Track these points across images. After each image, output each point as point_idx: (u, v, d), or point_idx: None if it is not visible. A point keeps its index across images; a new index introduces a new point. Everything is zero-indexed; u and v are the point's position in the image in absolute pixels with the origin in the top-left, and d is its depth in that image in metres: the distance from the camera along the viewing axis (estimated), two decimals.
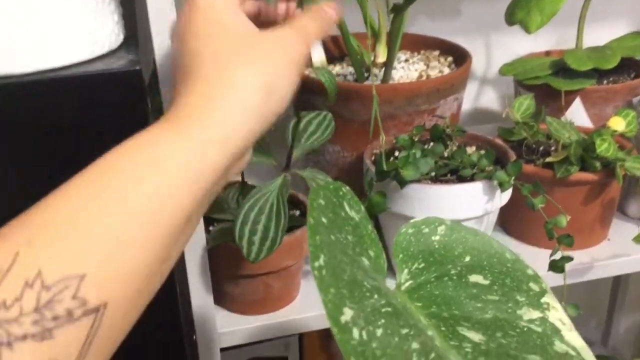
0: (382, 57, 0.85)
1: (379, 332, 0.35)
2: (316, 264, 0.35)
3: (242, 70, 0.37)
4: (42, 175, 0.52)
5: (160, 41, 0.53)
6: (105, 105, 0.49)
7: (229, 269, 0.68)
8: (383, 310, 0.37)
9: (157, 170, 0.33)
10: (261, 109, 0.38)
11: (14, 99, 0.48)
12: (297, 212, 0.73)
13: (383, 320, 0.36)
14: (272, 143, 0.68)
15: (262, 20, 0.45)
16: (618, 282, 1.23)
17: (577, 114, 0.86)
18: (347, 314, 0.34)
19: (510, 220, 0.81)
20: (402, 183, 0.65)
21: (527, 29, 0.86)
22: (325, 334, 1.10)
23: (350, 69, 0.88)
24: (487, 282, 0.46)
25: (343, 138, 0.80)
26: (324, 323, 0.73)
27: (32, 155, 0.50)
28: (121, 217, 0.31)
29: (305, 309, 0.73)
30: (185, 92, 0.37)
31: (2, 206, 0.37)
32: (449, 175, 0.71)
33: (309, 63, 0.49)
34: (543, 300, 0.45)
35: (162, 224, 0.33)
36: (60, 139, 0.49)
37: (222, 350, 0.71)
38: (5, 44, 0.47)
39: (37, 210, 0.31)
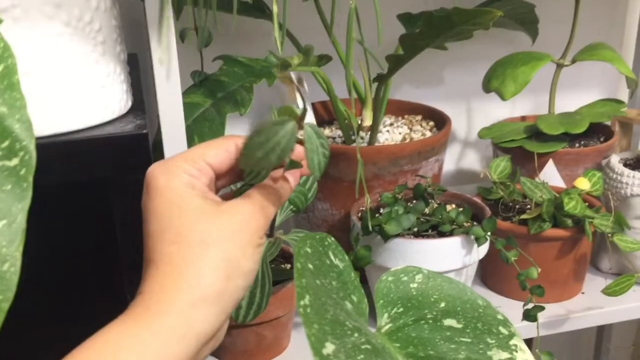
0: (368, 121, 0.91)
1: None
2: (302, 302, 0.39)
3: (203, 257, 0.38)
4: (58, 229, 0.56)
5: (165, 108, 0.59)
6: (115, 164, 0.54)
7: None
8: (363, 347, 0.42)
9: None
10: (222, 295, 0.38)
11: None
12: (288, 266, 0.77)
13: (362, 356, 0.41)
14: None
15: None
16: (602, 333, 1.25)
17: (551, 175, 0.92)
18: (329, 348, 0.38)
19: (489, 274, 0.86)
20: (386, 237, 0.70)
21: (502, 97, 0.93)
22: None
23: (339, 132, 0.94)
24: (460, 325, 0.50)
25: (332, 196, 0.85)
26: None
27: (49, 211, 0.54)
28: None
29: (295, 359, 0.76)
30: (148, 278, 0.38)
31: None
32: (430, 231, 0.76)
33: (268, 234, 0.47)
34: (511, 342, 0.49)
35: None
36: (74, 195, 0.54)
37: None
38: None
39: None
